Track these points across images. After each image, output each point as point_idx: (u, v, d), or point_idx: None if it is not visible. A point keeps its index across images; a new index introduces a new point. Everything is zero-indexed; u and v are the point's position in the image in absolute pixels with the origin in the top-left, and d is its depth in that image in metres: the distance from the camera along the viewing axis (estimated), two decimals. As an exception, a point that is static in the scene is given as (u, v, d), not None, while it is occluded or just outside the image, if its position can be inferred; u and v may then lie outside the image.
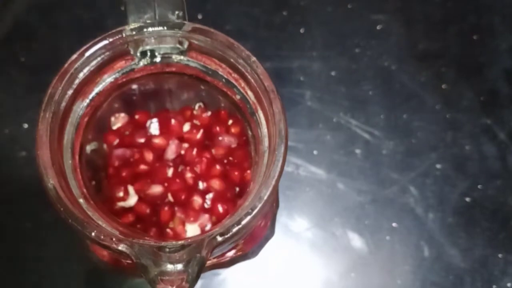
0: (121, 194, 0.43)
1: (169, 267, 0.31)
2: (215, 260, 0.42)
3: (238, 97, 0.39)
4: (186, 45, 0.38)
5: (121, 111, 0.43)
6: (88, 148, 0.41)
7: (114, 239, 0.32)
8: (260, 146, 0.37)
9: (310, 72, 0.55)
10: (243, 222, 0.32)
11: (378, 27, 0.57)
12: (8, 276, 0.49)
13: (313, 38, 0.56)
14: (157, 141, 0.43)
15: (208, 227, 0.43)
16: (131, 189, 0.43)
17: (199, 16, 0.55)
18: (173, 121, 0.43)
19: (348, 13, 0.57)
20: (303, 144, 0.53)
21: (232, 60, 0.37)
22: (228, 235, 0.32)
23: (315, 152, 0.53)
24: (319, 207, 0.52)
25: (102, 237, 0.31)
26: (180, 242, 0.32)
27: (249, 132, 0.40)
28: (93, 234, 0.31)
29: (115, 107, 0.43)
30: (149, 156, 0.43)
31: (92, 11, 0.56)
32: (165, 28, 0.36)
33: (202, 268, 0.32)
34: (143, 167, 0.43)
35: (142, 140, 0.43)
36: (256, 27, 0.56)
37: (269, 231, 0.45)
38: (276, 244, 0.49)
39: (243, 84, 0.38)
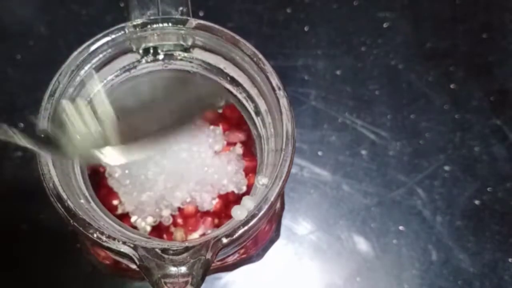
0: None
1: (173, 269, 0.31)
2: (218, 263, 0.41)
3: (243, 95, 0.38)
4: (190, 42, 0.37)
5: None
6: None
7: (116, 240, 0.31)
8: (265, 146, 0.37)
9: (314, 71, 0.55)
10: (250, 224, 0.32)
11: (385, 25, 0.57)
12: (4, 279, 0.48)
13: (318, 36, 0.56)
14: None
15: (211, 229, 0.42)
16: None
17: (201, 13, 0.54)
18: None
19: (354, 10, 0.57)
20: (308, 145, 0.53)
21: (237, 57, 0.36)
22: (234, 236, 0.32)
23: (319, 153, 0.52)
24: (324, 210, 0.51)
25: (104, 238, 0.31)
26: (184, 244, 0.31)
27: (254, 132, 0.40)
28: (95, 235, 0.31)
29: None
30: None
31: (89, 7, 0.56)
32: (169, 24, 0.36)
33: (207, 270, 0.31)
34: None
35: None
36: (259, 25, 0.56)
37: (274, 234, 0.45)
38: (279, 247, 0.49)
39: (248, 82, 0.37)
